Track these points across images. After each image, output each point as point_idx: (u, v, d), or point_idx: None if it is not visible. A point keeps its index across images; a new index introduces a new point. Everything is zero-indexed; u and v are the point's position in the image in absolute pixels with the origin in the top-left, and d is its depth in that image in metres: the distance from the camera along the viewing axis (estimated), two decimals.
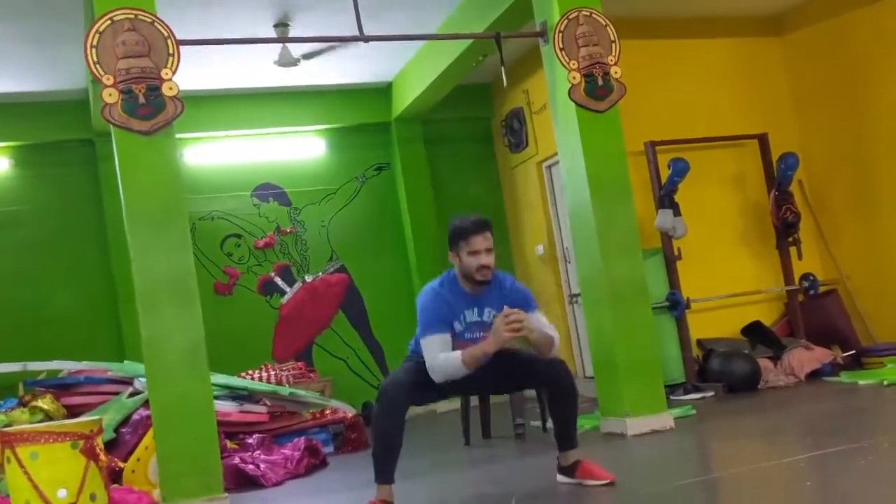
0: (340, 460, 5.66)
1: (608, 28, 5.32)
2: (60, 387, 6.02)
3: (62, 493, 4.20)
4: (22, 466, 4.20)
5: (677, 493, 3.52)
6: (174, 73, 4.50)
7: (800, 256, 7.28)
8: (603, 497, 3.70)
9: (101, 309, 7.59)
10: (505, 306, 3.55)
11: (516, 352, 3.75)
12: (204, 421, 4.28)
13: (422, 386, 3.61)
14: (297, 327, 8.14)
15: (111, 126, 4.42)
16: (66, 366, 6.28)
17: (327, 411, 6.29)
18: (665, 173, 6.89)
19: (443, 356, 3.56)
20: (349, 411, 6.41)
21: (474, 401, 5.75)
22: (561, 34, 5.23)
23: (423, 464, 5.14)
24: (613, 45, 5.31)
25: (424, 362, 3.61)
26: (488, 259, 3.65)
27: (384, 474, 3.60)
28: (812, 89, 7.68)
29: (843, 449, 3.87)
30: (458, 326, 3.67)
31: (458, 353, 3.56)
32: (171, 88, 4.48)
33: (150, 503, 4.52)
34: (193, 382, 4.28)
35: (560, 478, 3.85)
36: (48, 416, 5.48)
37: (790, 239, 7.28)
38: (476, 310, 3.71)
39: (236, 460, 5.04)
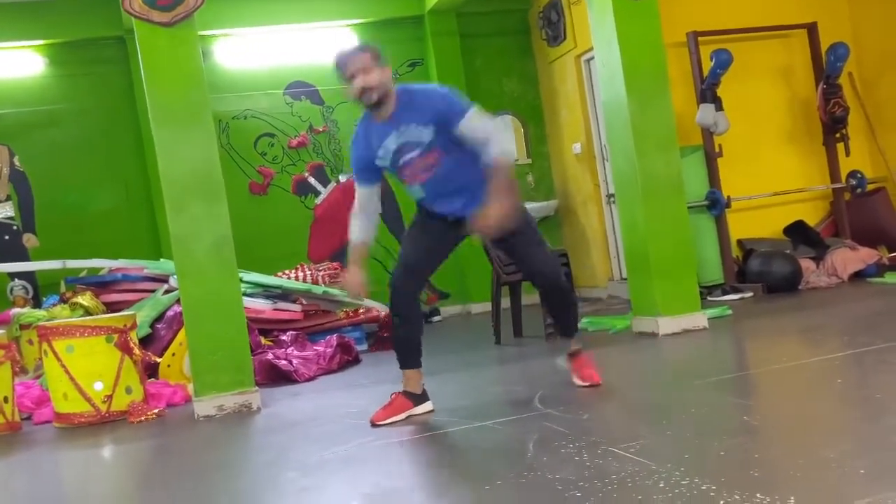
0: (373, 357, 5.73)
1: None
2: (100, 284, 6.14)
3: (98, 385, 4.33)
4: (59, 359, 4.32)
5: (700, 391, 3.49)
6: None
7: (847, 153, 7.03)
8: (623, 394, 3.68)
9: (138, 207, 7.65)
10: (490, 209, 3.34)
11: (517, 240, 3.61)
12: (233, 316, 4.32)
13: (422, 260, 3.62)
14: (332, 227, 8.13)
15: (132, 18, 4.33)
16: (104, 263, 6.39)
17: (361, 310, 6.34)
18: (707, 65, 6.63)
19: (354, 217, 3.63)
20: (383, 311, 6.44)
21: (506, 302, 5.73)
22: None
23: (454, 360, 5.17)
24: None
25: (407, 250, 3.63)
26: (365, 78, 3.34)
27: (408, 360, 3.63)
28: None
29: (880, 347, 3.79)
30: (380, 162, 3.49)
31: (358, 232, 3.64)
32: None
33: (185, 397, 4.64)
34: (222, 278, 4.30)
35: (559, 361, 3.94)
36: (88, 313, 5.60)
37: (837, 135, 7.02)
38: (393, 133, 3.42)
39: (269, 356, 5.11)
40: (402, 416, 3.55)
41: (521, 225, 3.58)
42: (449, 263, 8.67)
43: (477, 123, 3.41)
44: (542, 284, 3.75)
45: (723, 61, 6.48)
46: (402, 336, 3.65)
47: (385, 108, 3.42)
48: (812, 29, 7.12)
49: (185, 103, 4.35)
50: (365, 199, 3.62)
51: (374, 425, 3.49)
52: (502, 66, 8.51)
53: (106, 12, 7.29)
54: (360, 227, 3.66)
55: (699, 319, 5.07)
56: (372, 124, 3.50)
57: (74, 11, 7.43)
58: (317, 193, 8.16)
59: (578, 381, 3.77)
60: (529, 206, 7.96)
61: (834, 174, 7.12)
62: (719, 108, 6.62)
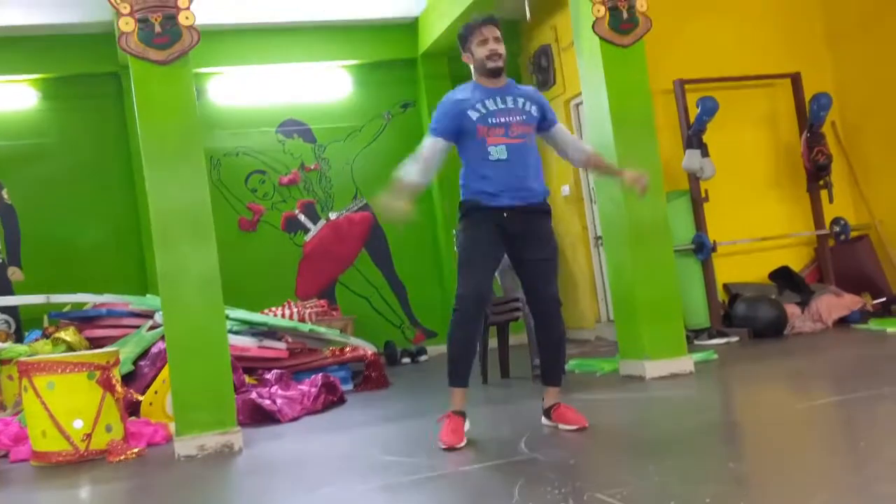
0: (359, 398, 5.69)
1: None
2: (83, 319, 6.09)
3: (78, 423, 4.27)
4: (38, 396, 4.27)
5: (687, 436, 3.48)
6: (191, 2, 4.42)
7: (831, 200, 7.11)
8: (609, 438, 3.67)
9: (125, 242, 7.65)
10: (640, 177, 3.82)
11: (549, 261, 3.78)
12: (218, 354, 4.29)
13: (486, 280, 3.71)
14: (320, 265, 8.15)
15: (128, 56, 4.37)
16: (88, 298, 6.35)
17: (347, 349, 6.32)
18: (693, 112, 6.72)
19: (413, 160, 3.73)
20: (369, 349, 6.42)
21: (493, 342, 5.72)
22: None
23: (439, 401, 5.12)
24: None
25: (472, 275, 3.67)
26: (497, 45, 3.70)
27: (460, 377, 3.73)
28: (847, 27, 7.40)
29: (864, 395, 3.80)
30: (474, 114, 3.67)
31: (416, 174, 3.72)
32: (187, 18, 4.40)
33: (166, 436, 4.58)
34: (208, 316, 4.28)
35: (543, 420, 3.88)
36: (70, 348, 5.55)
37: (821, 182, 7.10)
38: (498, 98, 3.71)
39: (253, 395, 5.07)
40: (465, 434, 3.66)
41: (552, 242, 3.82)
42: (436, 302, 8.70)
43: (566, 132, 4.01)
44: (552, 312, 3.77)
45: (709, 108, 6.56)
46: (465, 353, 3.73)
47: (501, 79, 3.77)
48: (796, 79, 7.23)
49: (177, 141, 4.36)
50: (433, 151, 3.75)
51: (452, 449, 3.55)
52: None
53: (101, 49, 7.36)
54: (420, 170, 3.75)
55: (686, 363, 5.08)
56: (479, 87, 3.76)
57: (70, 47, 7.50)
58: (306, 230, 8.18)
59: (565, 426, 3.75)
60: None
61: (818, 220, 7.19)
62: (705, 153, 6.70)
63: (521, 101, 3.74)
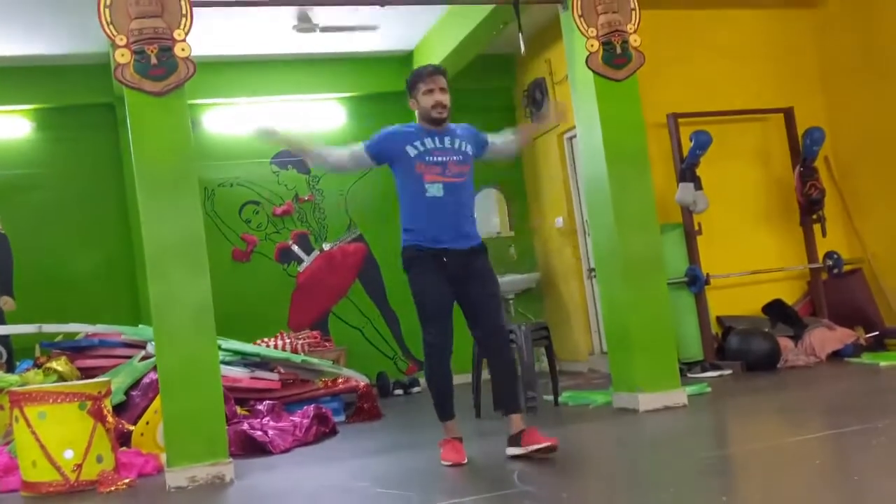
0: (351, 429, 5.66)
1: None
2: (75, 349, 6.06)
3: (69, 453, 4.23)
4: (29, 426, 4.24)
5: (680, 469, 3.47)
6: (187, 34, 4.46)
7: (824, 234, 7.14)
8: (603, 472, 3.66)
9: (118, 272, 7.62)
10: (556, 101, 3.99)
11: (487, 288, 3.98)
12: (210, 385, 4.27)
13: (448, 323, 3.94)
14: (313, 296, 8.13)
15: (123, 87, 4.39)
16: (81, 328, 6.32)
17: (340, 380, 6.29)
18: (687, 146, 6.77)
19: (335, 151, 4.13)
20: (362, 381, 6.39)
21: (486, 374, 5.69)
22: (580, 1, 5.11)
23: (431, 434, 5.10)
24: (633, 13, 5.20)
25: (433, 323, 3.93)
26: (442, 97, 3.93)
27: (447, 411, 4.02)
28: (840, 63, 7.48)
29: (857, 429, 3.79)
30: (412, 151, 3.90)
31: (332, 150, 4.17)
32: (183, 50, 4.44)
33: (157, 467, 4.55)
34: (200, 347, 4.27)
35: (509, 450, 3.87)
36: (62, 378, 5.51)
37: (814, 216, 7.14)
38: (437, 138, 3.95)
39: (245, 426, 5.04)
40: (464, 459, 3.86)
41: (491, 274, 4.04)
42: None
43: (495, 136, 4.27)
44: (497, 342, 3.93)
45: (702, 142, 6.61)
46: (445, 390, 4.00)
47: (444, 126, 4.00)
48: (789, 113, 7.30)
49: (171, 171, 4.37)
50: (356, 155, 4.07)
51: (457, 465, 3.81)
52: None
53: (96, 80, 7.39)
54: (335, 151, 4.16)
55: (679, 396, 5.06)
56: (422, 128, 3.99)
57: (65, 78, 7.52)
58: (300, 261, 8.17)
59: (535, 446, 3.74)
60: (511, 277, 8.08)
61: (811, 254, 7.22)
62: (698, 187, 6.73)
63: (457, 141, 3.98)
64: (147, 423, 4.86)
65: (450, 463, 3.83)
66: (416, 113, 4.04)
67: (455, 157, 3.94)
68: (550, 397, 5.82)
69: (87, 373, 5.76)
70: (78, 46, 7.14)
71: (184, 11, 4.45)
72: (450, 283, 3.94)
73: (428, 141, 3.93)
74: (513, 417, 3.91)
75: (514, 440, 3.86)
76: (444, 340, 3.93)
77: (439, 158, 3.91)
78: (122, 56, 4.35)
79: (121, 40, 4.36)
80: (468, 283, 3.95)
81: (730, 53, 7.33)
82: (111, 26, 4.37)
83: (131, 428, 4.88)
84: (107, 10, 4.36)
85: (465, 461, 3.84)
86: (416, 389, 7.78)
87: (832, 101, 7.57)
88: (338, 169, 4.23)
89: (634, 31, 5.18)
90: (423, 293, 3.93)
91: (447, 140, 3.97)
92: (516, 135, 4.45)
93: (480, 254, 4.03)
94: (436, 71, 3.99)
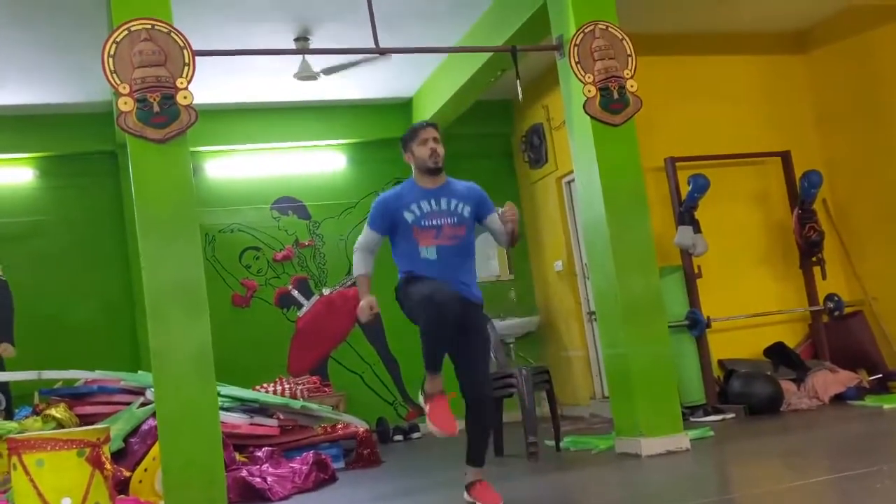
0: (350, 476, 5.60)
1: (624, 42, 5.28)
2: (74, 396, 6.02)
3: (66, 501, 4.16)
4: (27, 474, 4.18)
5: None
6: (189, 82, 4.53)
7: (824, 276, 7.14)
8: None
9: (119, 319, 7.62)
10: (507, 205, 3.89)
11: (474, 345, 3.96)
12: (209, 432, 4.25)
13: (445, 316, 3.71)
14: (313, 341, 8.11)
15: (126, 134, 4.44)
16: (80, 375, 6.29)
17: (339, 426, 6.24)
18: (685, 189, 6.80)
19: (360, 252, 4.01)
20: (361, 427, 6.35)
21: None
22: (577, 47, 5.19)
23: (431, 480, 5.07)
24: (630, 58, 5.27)
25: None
26: (437, 146, 3.92)
27: (435, 364, 3.90)
28: (836, 107, 7.57)
29: (861, 472, 3.75)
30: (409, 216, 3.88)
31: (364, 267, 4.01)
32: (185, 97, 4.50)
33: None
34: (199, 393, 4.26)
35: (466, 496, 3.98)
36: (60, 425, 5.48)
37: (814, 258, 7.15)
38: (433, 200, 3.91)
39: (244, 473, 4.99)
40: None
41: (484, 333, 4.04)
42: None
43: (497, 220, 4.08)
44: (478, 399, 3.91)
45: (700, 186, 6.65)
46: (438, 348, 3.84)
47: (440, 177, 3.97)
48: (786, 157, 7.36)
49: (173, 218, 4.41)
50: (371, 241, 4.01)
51: (444, 433, 3.80)
52: (486, 186, 8.38)
53: (99, 127, 7.47)
54: (365, 260, 4.04)
55: (682, 441, 5.02)
56: (416, 186, 3.97)
57: (68, 126, 7.61)
58: (299, 306, 8.17)
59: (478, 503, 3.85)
60: (511, 322, 8.07)
61: (812, 297, 7.21)
62: (697, 230, 6.75)
63: (454, 202, 3.94)
64: (145, 470, 4.81)
65: (438, 430, 3.76)
66: (413, 166, 4.01)
67: (450, 220, 3.89)
68: (552, 442, 5.77)
69: (86, 419, 5.73)
70: (80, 94, 7.23)
71: (186, 60, 4.53)
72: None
73: (424, 204, 3.90)
74: (474, 469, 3.98)
75: (468, 487, 3.98)
76: (438, 313, 3.64)
77: (434, 222, 3.88)
78: (125, 104, 4.41)
79: (124, 89, 4.43)
80: (461, 333, 3.86)
81: (726, 98, 7.41)
82: (115, 75, 4.44)
83: (129, 475, 4.83)
84: (110, 60, 4.43)
85: (457, 432, 3.77)
86: (416, 435, 7.72)
87: (828, 144, 7.64)
88: (372, 260, 4.06)
89: (631, 77, 5.25)
90: (419, 293, 3.72)
91: (444, 202, 3.92)
92: (506, 230, 4.03)
93: (478, 310, 4.00)
94: (430, 124, 4.04)
